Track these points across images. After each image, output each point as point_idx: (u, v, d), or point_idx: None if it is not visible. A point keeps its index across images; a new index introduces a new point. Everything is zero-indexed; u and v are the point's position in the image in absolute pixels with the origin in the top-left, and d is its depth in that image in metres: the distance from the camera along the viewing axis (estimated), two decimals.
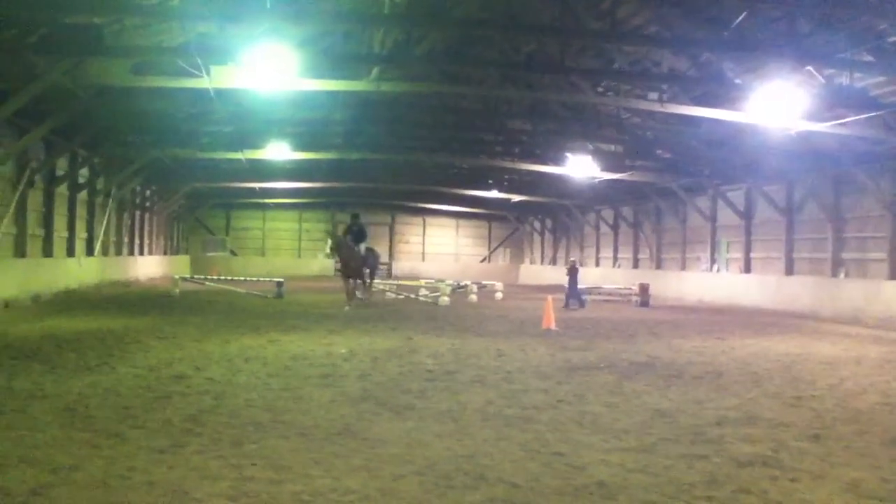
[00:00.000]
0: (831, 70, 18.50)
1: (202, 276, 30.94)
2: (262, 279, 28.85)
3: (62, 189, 27.04)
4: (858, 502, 4.95)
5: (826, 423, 7.37)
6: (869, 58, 16.98)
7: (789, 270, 27.67)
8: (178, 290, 25.75)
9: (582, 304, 23.97)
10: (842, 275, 24.87)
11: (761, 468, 5.74)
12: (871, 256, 23.88)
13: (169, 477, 5.18)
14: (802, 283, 25.91)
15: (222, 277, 29.79)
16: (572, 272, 24.68)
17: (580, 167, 30.92)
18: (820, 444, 6.51)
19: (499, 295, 28.77)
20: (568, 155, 30.75)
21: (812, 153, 23.88)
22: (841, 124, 19.26)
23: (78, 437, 6.18)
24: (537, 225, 55.11)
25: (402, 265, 53.86)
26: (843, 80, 18.53)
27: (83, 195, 29.32)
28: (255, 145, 30.01)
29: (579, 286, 24.93)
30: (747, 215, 30.44)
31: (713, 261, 32.89)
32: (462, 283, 28.53)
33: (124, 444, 5.99)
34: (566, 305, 23.64)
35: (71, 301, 21.79)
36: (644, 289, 26.67)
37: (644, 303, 26.01)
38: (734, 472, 5.64)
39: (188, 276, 32.31)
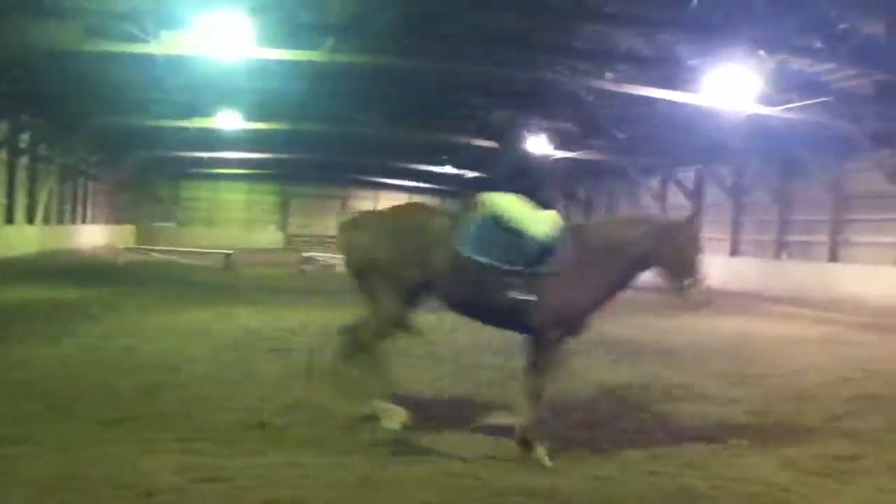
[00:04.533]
0: (783, 55, 18.80)
1: (149, 247, 30.33)
2: (211, 251, 28.43)
3: (1, 155, 26.18)
4: (794, 477, 5.09)
5: (769, 402, 7.57)
6: (819, 44, 17.32)
7: (735, 251, 28.26)
8: (123, 261, 25.21)
9: None
10: (784, 256, 25.49)
11: (705, 444, 5.87)
12: (815, 239, 24.54)
13: (117, 450, 5.09)
14: (748, 263, 26.51)
15: (170, 248, 29.26)
16: None
17: (535, 145, 30.97)
18: (762, 421, 6.69)
19: None
20: (523, 132, 30.77)
21: (762, 137, 24.31)
22: (790, 109, 19.65)
23: (28, 410, 6.04)
24: None
25: None
26: (795, 65, 18.89)
27: (24, 161, 28.42)
28: (205, 114, 29.39)
29: None
30: (696, 197, 30.95)
31: None
32: None
33: (73, 417, 5.89)
34: None
35: (12, 270, 21.14)
36: None
37: None
38: (679, 447, 5.75)
39: (135, 246, 31.61)
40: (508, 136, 6.17)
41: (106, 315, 11.96)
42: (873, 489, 4.90)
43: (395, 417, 5.33)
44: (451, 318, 13.20)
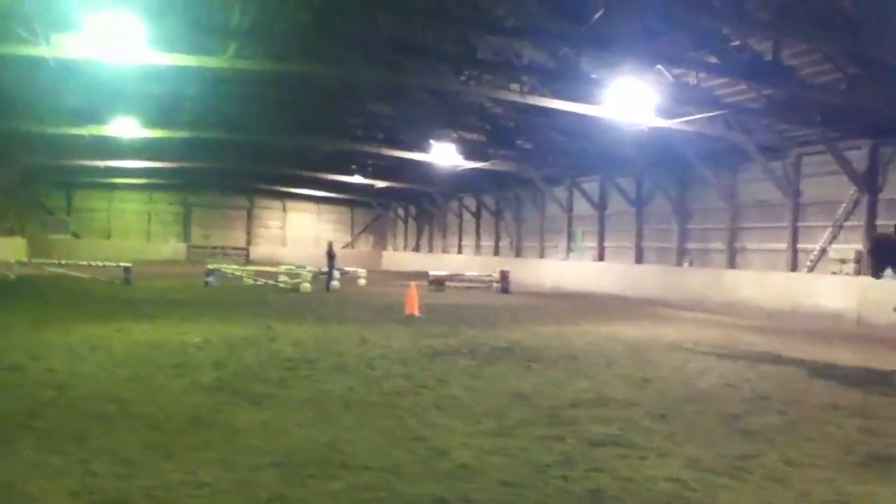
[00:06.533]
0: (679, 70, 19.55)
1: (43, 260, 28.84)
2: (108, 264, 27.24)
3: None
4: (698, 476, 5.23)
5: (670, 404, 7.78)
6: (714, 59, 18.07)
7: (639, 259, 29.12)
8: (13, 275, 23.90)
9: (328, 286, 25.10)
10: (686, 264, 26.45)
11: (612, 447, 5.97)
12: (712, 247, 25.56)
13: (3, 474, 4.76)
14: (651, 271, 27.35)
15: (64, 262, 27.88)
16: (330, 254, 25.89)
17: (443, 154, 31.23)
18: (665, 423, 6.86)
19: (362, 281, 28.61)
20: (432, 142, 30.94)
21: (661, 148, 25.18)
22: (687, 121, 20.44)
23: None
24: (401, 211, 55.24)
25: (260, 250, 52.53)
26: (690, 79, 19.66)
27: None
28: (100, 120, 28.31)
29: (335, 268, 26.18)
30: (601, 206, 31.75)
31: (569, 249, 34.14)
32: (324, 270, 28.10)
33: None
34: (327, 288, 24.96)
35: None
36: (504, 276, 27.29)
37: (504, 289, 26.62)
38: (587, 451, 5.83)
39: (25, 259, 29.96)
40: None
41: None
42: (772, 484, 5.09)
43: None
44: (359, 332, 13.10)
